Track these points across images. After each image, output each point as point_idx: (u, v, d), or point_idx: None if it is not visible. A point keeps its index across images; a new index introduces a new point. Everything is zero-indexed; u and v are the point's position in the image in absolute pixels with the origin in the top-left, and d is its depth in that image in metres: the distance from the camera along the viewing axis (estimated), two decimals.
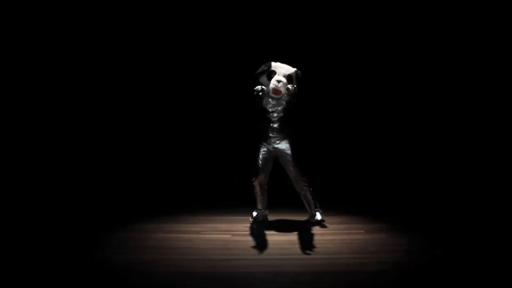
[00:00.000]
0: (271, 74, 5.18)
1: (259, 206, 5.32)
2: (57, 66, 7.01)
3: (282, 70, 5.19)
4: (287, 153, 5.15)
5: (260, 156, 5.18)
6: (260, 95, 5.14)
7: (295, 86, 5.14)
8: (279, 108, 5.20)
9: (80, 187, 6.67)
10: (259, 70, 5.22)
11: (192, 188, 6.91)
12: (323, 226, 5.13)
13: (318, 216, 5.24)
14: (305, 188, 5.20)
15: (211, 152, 7.36)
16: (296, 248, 4.43)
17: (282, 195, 5.44)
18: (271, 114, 5.20)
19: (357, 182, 6.99)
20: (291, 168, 5.16)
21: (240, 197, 6.04)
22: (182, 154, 7.34)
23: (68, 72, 7.06)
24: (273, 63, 5.22)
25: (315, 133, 6.94)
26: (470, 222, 5.27)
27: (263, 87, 5.17)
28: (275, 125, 5.19)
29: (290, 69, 5.22)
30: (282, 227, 5.17)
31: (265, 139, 5.21)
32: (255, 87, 5.17)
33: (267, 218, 5.34)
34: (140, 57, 7.19)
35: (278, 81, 5.13)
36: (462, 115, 7.16)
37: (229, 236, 4.80)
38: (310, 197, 5.24)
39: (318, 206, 5.28)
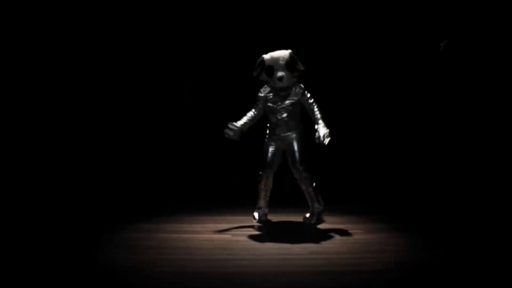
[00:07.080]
0: (269, 69, 4.94)
1: (260, 204, 5.23)
2: (57, 66, 7.02)
3: (278, 62, 4.91)
4: (295, 149, 5.04)
5: (267, 150, 5.09)
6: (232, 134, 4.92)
7: (302, 69, 4.99)
8: (287, 102, 5.02)
9: (80, 187, 6.68)
10: (255, 71, 5.03)
11: (192, 188, 6.92)
12: (323, 226, 5.13)
13: (316, 218, 5.19)
14: (308, 185, 5.09)
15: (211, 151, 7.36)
16: (296, 248, 4.42)
17: (282, 195, 5.43)
18: (279, 109, 5.00)
19: (357, 182, 6.99)
20: (297, 165, 5.05)
21: (240, 197, 6.04)
22: (182, 154, 7.34)
23: (68, 72, 7.07)
24: (265, 57, 4.98)
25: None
26: (470, 222, 5.27)
27: (233, 127, 4.92)
28: (285, 119, 5.01)
29: (285, 55, 4.95)
30: (282, 227, 5.17)
31: (272, 133, 5.07)
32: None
33: (267, 218, 5.32)
34: (141, 56, 7.20)
35: (280, 78, 4.91)
36: (461, 115, 7.17)
37: (229, 236, 4.79)
38: (312, 193, 5.13)
39: (322, 203, 5.17)
